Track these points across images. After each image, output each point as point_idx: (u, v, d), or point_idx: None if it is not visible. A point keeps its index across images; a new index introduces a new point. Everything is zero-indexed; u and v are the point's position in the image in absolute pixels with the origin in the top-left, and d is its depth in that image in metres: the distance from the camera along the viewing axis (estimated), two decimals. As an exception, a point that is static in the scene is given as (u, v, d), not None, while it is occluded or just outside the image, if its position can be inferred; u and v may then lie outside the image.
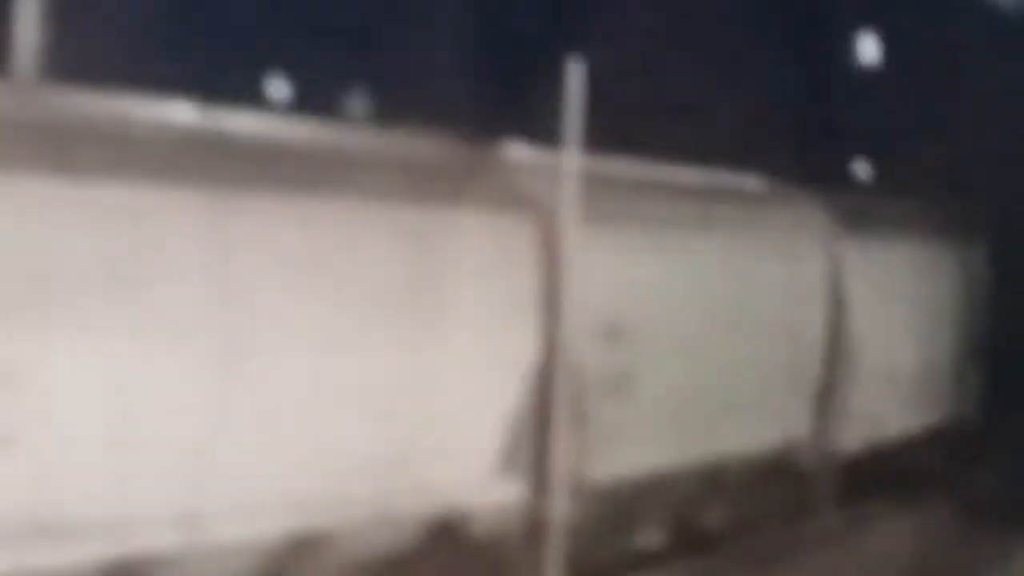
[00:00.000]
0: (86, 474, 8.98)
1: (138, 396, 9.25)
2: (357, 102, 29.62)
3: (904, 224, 19.85)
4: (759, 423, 16.28)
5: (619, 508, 14.06)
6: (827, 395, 17.57)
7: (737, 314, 15.65)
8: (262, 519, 10.00)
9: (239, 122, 10.89)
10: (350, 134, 12.02)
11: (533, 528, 12.65)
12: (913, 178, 21.49)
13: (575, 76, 12.37)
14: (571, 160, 12.72)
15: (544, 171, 12.90)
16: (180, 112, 10.34)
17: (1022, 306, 23.68)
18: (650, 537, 15.02)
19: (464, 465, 11.56)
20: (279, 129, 11.49)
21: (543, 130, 12.88)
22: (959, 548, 17.05)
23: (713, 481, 15.66)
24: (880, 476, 18.90)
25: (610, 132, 13.39)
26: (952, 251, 21.43)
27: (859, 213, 18.71)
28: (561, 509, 12.86)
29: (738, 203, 16.37)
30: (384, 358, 11.17)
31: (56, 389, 8.77)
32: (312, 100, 25.60)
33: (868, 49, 27.00)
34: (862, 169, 22.59)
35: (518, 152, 13.31)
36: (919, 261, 20.30)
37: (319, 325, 10.64)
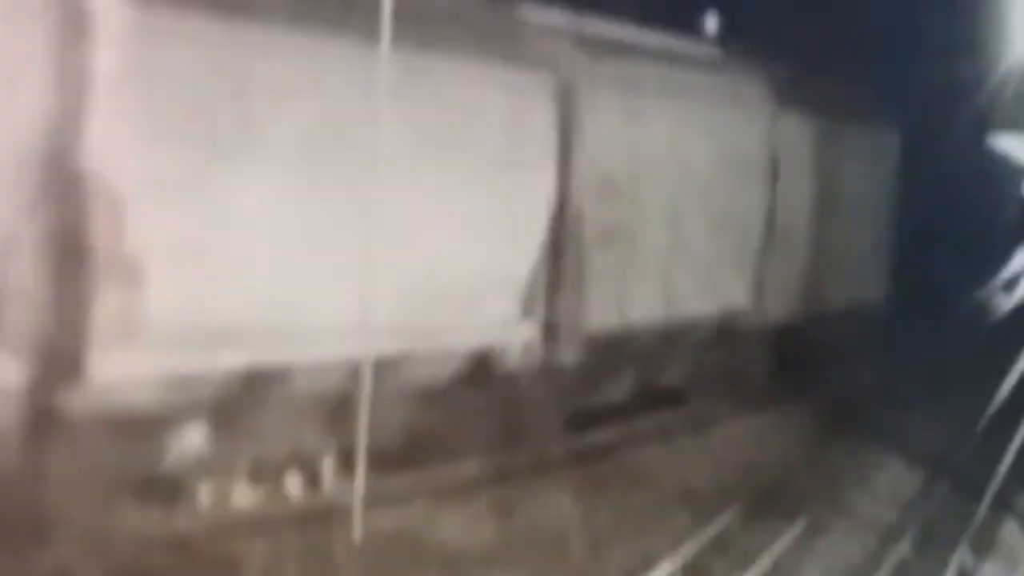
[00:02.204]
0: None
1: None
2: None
3: (830, 105, 21.39)
4: (712, 288, 18.20)
5: (606, 358, 15.85)
6: (766, 264, 19.60)
7: (702, 179, 17.44)
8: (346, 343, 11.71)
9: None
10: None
11: (543, 370, 14.52)
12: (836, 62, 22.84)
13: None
14: (581, 22, 14.50)
15: (557, 32, 14.61)
16: None
17: (925, 195, 25.97)
18: (623, 388, 16.98)
19: (496, 305, 13.28)
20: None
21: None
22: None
23: (675, 339, 17.56)
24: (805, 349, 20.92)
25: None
26: (870, 136, 23.48)
27: (794, 90, 20.16)
28: (567, 354, 14.77)
29: (704, 71, 17.88)
30: (424, 204, 12.77)
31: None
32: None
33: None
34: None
35: (536, 13, 14.84)
36: (843, 142, 22.05)
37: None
